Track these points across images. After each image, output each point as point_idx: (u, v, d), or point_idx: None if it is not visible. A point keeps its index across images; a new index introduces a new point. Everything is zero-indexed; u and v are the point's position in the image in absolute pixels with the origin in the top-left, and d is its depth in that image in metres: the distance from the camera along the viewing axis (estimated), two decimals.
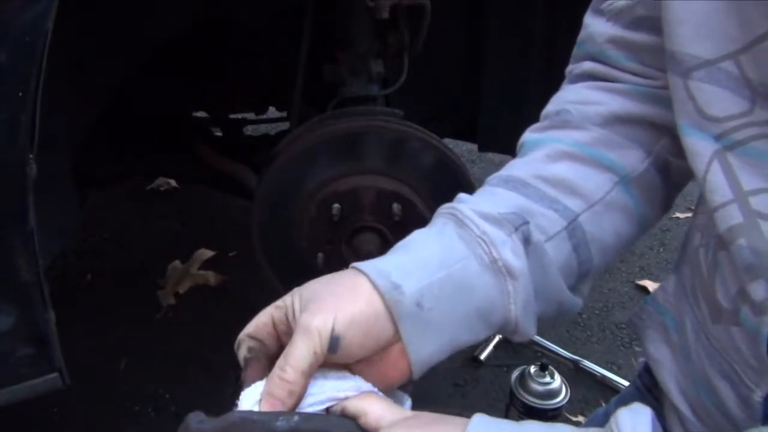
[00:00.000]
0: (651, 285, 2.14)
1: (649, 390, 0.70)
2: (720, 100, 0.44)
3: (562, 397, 1.51)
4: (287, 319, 0.48)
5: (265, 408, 0.44)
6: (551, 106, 0.59)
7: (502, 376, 1.69)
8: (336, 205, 1.27)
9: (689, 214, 2.45)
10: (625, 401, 0.74)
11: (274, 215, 1.34)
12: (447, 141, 1.54)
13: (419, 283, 0.46)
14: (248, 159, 1.70)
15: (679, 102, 0.47)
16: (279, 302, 0.49)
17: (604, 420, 0.74)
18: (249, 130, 2.19)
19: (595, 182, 0.52)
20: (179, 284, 2.04)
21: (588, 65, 0.58)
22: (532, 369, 1.54)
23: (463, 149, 2.62)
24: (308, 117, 1.39)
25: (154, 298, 2.00)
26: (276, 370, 0.45)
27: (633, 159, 0.54)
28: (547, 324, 1.96)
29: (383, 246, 1.26)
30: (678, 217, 2.49)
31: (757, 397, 0.49)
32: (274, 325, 0.49)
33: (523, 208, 0.51)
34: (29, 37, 0.77)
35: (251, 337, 0.49)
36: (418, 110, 1.67)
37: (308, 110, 1.50)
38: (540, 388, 1.51)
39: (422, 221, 0.54)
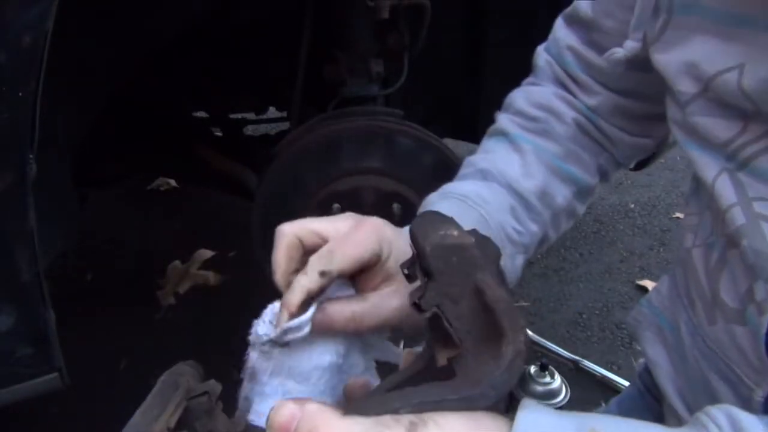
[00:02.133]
0: (651, 285, 2.13)
1: (649, 390, 0.70)
2: (713, 128, 0.47)
3: (562, 397, 1.51)
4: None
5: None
6: (526, 105, 0.66)
7: None
8: (336, 205, 1.27)
9: None
10: (625, 402, 0.75)
11: (275, 215, 1.34)
12: (447, 141, 1.54)
13: None
14: (248, 159, 1.70)
15: (684, 128, 0.51)
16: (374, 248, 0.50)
17: None
18: (249, 130, 2.19)
19: (563, 194, 0.63)
20: (179, 284, 2.04)
21: (557, 70, 0.66)
22: (532, 369, 1.53)
23: (463, 149, 2.61)
24: (308, 117, 1.39)
25: (154, 298, 2.00)
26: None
27: (589, 174, 0.64)
28: (547, 324, 1.96)
29: None
30: (678, 217, 2.49)
31: (758, 397, 0.49)
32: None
33: (520, 220, 0.60)
34: (29, 37, 0.77)
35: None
36: (418, 110, 1.67)
37: (308, 110, 1.50)
38: (540, 388, 1.51)
39: None
